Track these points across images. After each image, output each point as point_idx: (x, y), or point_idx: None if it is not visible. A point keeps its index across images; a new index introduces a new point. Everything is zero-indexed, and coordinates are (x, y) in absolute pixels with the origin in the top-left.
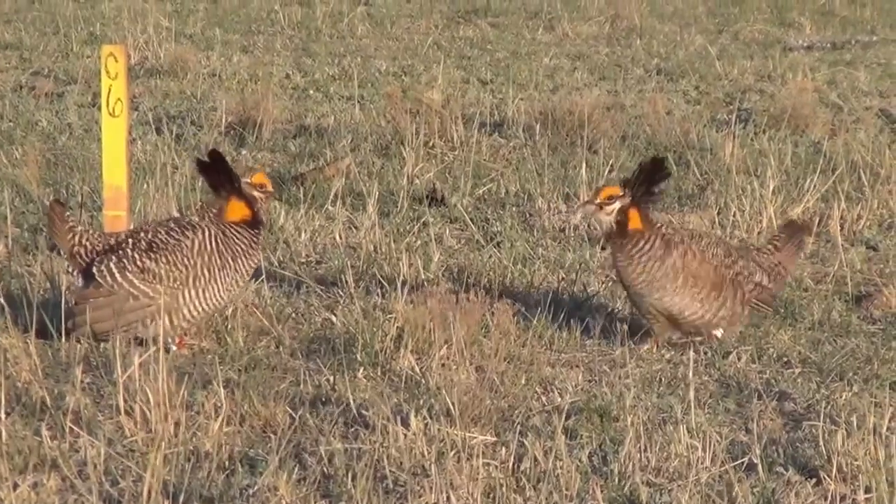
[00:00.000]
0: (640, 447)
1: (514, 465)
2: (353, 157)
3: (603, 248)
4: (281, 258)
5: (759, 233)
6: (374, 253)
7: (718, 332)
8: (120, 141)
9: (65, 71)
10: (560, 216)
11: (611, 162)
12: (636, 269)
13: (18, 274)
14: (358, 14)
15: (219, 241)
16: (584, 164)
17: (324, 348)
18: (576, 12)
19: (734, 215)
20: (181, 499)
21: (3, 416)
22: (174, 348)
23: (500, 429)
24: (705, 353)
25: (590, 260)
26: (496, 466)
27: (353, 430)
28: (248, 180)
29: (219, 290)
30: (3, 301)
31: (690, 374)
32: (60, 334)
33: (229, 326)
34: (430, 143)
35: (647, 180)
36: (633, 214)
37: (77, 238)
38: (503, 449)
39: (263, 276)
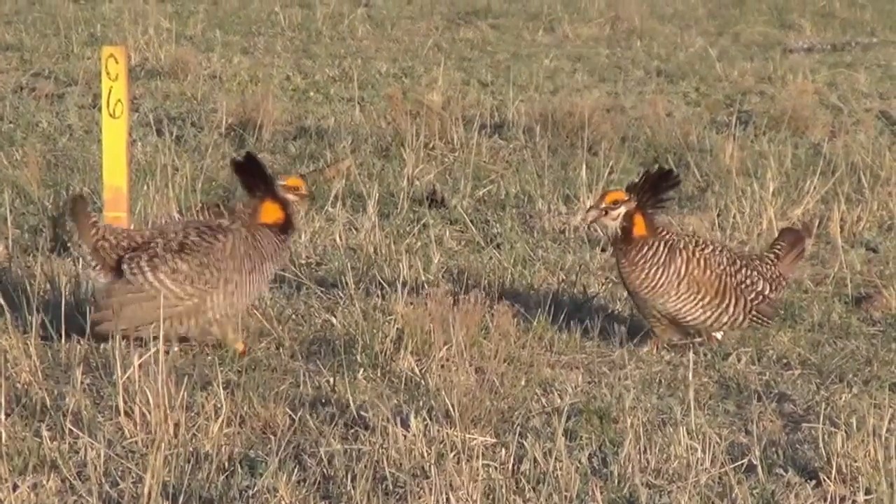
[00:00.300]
0: (639, 449)
1: (513, 466)
2: (354, 158)
3: (603, 250)
4: None
5: (758, 234)
6: (374, 254)
7: (719, 335)
8: (120, 142)
9: (65, 72)
10: (560, 218)
11: (611, 164)
12: (640, 275)
13: (18, 275)
14: (358, 16)
15: (249, 244)
16: (584, 166)
17: (324, 350)
18: (576, 14)
19: (734, 217)
20: (181, 500)
21: (3, 416)
22: (238, 348)
23: (499, 430)
24: (705, 355)
25: (590, 261)
26: (496, 468)
27: (352, 431)
28: (283, 182)
29: (246, 294)
30: (3, 302)
31: (690, 376)
32: (60, 335)
33: None
34: (431, 145)
35: (654, 188)
36: (639, 220)
37: (101, 233)
38: (503, 450)
39: None
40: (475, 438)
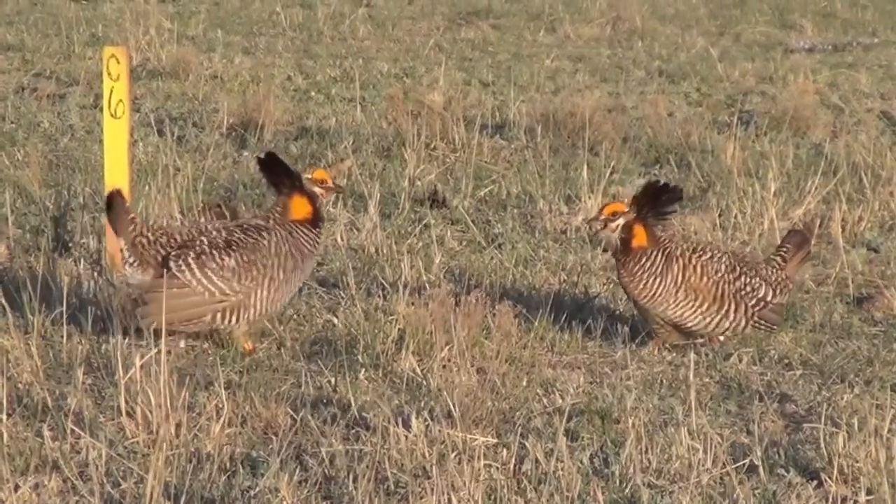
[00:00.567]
0: (641, 449)
1: (515, 466)
2: (355, 158)
3: (604, 251)
4: None
5: (760, 235)
6: (375, 254)
7: (721, 337)
8: (122, 142)
9: (67, 72)
10: (561, 218)
11: (612, 164)
12: (638, 285)
13: (20, 275)
14: (359, 16)
15: (289, 242)
16: (585, 166)
17: (325, 350)
18: (577, 14)
19: (735, 217)
20: (182, 500)
21: (5, 417)
22: (244, 347)
23: (501, 430)
24: (706, 356)
25: (591, 262)
26: (497, 468)
27: (354, 431)
28: (309, 176)
29: (287, 291)
30: (4, 302)
31: (691, 376)
32: (62, 335)
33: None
34: (432, 145)
35: (654, 199)
36: (639, 231)
37: (139, 228)
38: (504, 450)
39: None
40: (477, 439)
